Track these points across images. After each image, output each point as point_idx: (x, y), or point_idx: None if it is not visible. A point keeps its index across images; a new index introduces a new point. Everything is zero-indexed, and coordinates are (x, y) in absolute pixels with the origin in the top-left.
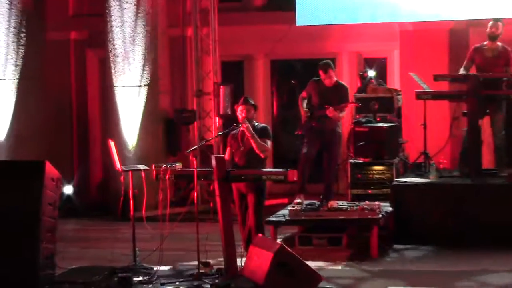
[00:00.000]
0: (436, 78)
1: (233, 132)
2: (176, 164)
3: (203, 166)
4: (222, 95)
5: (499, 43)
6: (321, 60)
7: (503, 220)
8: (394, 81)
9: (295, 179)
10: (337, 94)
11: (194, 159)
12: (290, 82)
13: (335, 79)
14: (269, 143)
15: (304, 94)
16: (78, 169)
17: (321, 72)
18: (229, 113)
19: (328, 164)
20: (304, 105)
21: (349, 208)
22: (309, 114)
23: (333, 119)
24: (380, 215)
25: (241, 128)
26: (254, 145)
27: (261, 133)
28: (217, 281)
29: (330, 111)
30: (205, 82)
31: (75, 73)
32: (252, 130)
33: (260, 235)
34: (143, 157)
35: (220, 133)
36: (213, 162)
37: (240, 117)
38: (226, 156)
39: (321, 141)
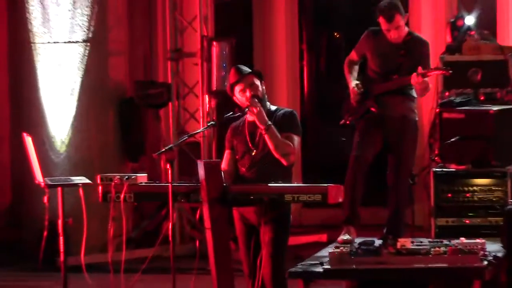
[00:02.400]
0: None
1: (235, 123)
2: (139, 174)
3: (184, 179)
4: (215, 57)
5: None
6: None
7: None
8: (510, 35)
9: (340, 200)
10: (411, 56)
11: (168, 166)
12: (331, 34)
13: (407, 29)
14: (296, 140)
15: (354, 56)
16: None
17: (382, 20)
18: (226, 88)
19: (396, 176)
20: (355, 74)
21: (432, 250)
22: (362, 90)
23: (404, 99)
24: (485, 262)
25: (249, 116)
26: (271, 145)
27: (284, 124)
28: None
29: (414, 78)
30: (187, 35)
31: None
32: (266, 118)
33: None
34: (82, 163)
35: (213, 122)
36: (201, 172)
37: (242, 100)
38: (224, 164)
39: (384, 137)
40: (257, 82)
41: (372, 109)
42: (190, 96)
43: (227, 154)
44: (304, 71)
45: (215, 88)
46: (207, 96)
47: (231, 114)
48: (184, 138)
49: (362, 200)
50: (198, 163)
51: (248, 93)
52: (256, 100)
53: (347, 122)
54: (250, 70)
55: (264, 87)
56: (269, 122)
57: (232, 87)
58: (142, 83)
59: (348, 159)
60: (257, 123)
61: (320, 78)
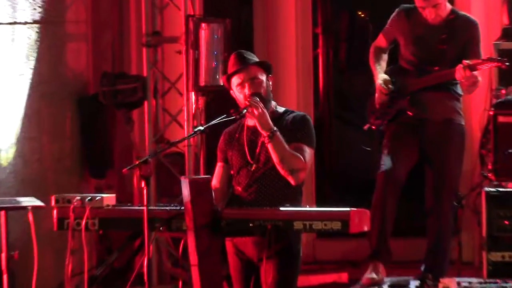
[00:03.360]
0: None
1: (230, 128)
2: (105, 195)
3: (164, 202)
4: (204, 43)
5: None
6: None
7: None
8: None
9: (365, 229)
10: (455, 41)
11: (143, 184)
12: (353, 14)
13: (449, 7)
14: (308, 153)
15: (382, 41)
16: None
17: None
18: (220, 84)
19: (437, 197)
20: (383, 65)
21: None
22: (391, 87)
23: (449, 96)
24: None
25: (248, 120)
26: (275, 158)
27: (294, 131)
28: None
29: (460, 71)
30: (168, 15)
31: None
32: (271, 124)
33: None
34: (32, 179)
35: (200, 128)
36: (186, 191)
37: (240, 98)
38: (215, 181)
39: (421, 146)
40: (262, 77)
41: (409, 112)
42: (171, 93)
43: (219, 168)
44: (319, 62)
45: (203, 83)
46: (193, 93)
47: (225, 117)
48: (164, 148)
49: (393, 229)
50: (182, 180)
51: (247, 90)
52: (258, 100)
53: (373, 127)
54: (256, 60)
55: (270, 83)
56: (274, 128)
57: (229, 78)
58: (110, 75)
59: (375, 176)
60: (259, 129)
61: (339, 71)
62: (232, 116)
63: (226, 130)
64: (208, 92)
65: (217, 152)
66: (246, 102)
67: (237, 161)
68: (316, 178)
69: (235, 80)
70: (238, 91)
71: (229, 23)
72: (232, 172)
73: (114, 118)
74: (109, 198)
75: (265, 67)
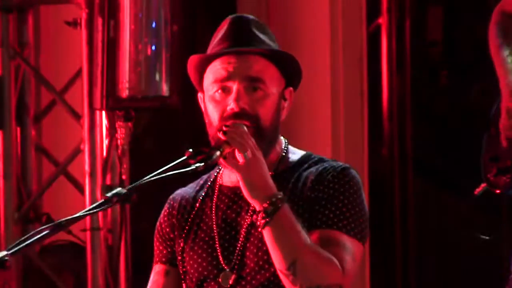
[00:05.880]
0: None
1: (182, 192)
2: None
3: None
4: (129, 3)
5: None
6: None
7: None
8: None
9: None
10: None
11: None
12: None
13: None
14: (350, 251)
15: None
16: None
17: None
18: (164, 93)
19: None
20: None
21: None
22: None
23: None
24: None
25: (222, 176)
26: (278, 261)
27: (321, 205)
28: None
29: None
30: None
31: None
32: (272, 185)
33: None
34: None
35: (120, 192)
36: None
37: (214, 116)
38: None
39: None
40: (273, 87)
41: None
42: (57, 113)
43: (157, 277)
44: (380, 47)
45: (127, 93)
46: (104, 114)
47: (173, 167)
48: (43, 235)
49: None
50: None
51: (232, 103)
52: (245, 130)
53: (496, 190)
54: (272, 44)
55: (287, 103)
56: (278, 195)
57: (202, 65)
58: None
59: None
60: (245, 195)
61: (424, 65)
62: (190, 166)
63: (175, 197)
64: (137, 111)
65: (154, 243)
66: (220, 135)
67: (197, 266)
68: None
69: (212, 74)
70: (213, 103)
71: None
72: (184, 286)
73: None
74: None
75: (288, 67)
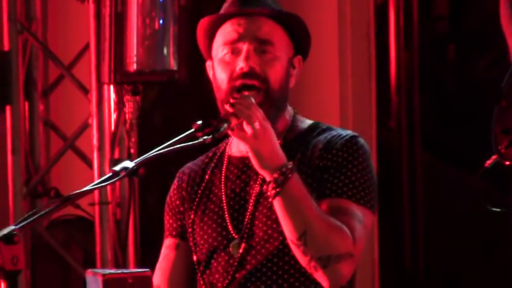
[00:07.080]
0: None
1: (191, 166)
2: None
3: None
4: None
5: None
6: None
7: None
8: None
9: None
10: None
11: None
12: None
13: None
14: (361, 220)
15: None
16: None
17: None
18: (172, 67)
19: None
20: None
21: None
22: None
23: None
24: None
25: (231, 146)
26: (289, 231)
27: (331, 173)
28: None
29: None
30: None
31: None
32: (282, 155)
33: None
34: None
35: (128, 166)
36: None
37: (220, 84)
38: (160, 279)
39: None
40: (281, 51)
41: None
42: (65, 88)
43: (169, 250)
44: (389, 28)
45: (135, 67)
46: (113, 88)
47: (180, 140)
48: (50, 209)
49: None
50: (88, 278)
51: (242, 64)
52: (253, 102)
53: (507, 162)
54: (280, 8)
55: (296, 71)
56: (288, 165)
57: (211, 29)
58: None
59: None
60: (254, 165)
61: (433, 41)
62: (198, 139)
63: (185, 170)
64: (145, 85)
65: (165, 217)
66: (228, 108)
67: (208, 237)
68: (382, 272)
69: (222, 36)
70: (222, 64)
71: None
72: (195, 258)
73: None
74: None
75: (298, 33)
